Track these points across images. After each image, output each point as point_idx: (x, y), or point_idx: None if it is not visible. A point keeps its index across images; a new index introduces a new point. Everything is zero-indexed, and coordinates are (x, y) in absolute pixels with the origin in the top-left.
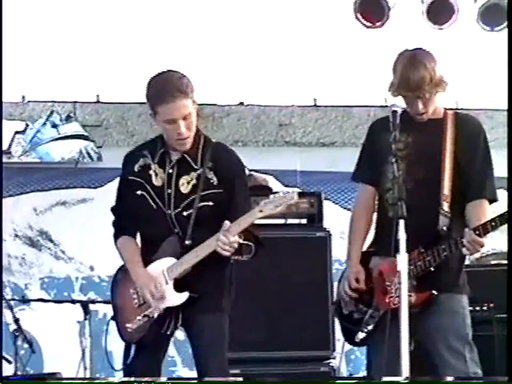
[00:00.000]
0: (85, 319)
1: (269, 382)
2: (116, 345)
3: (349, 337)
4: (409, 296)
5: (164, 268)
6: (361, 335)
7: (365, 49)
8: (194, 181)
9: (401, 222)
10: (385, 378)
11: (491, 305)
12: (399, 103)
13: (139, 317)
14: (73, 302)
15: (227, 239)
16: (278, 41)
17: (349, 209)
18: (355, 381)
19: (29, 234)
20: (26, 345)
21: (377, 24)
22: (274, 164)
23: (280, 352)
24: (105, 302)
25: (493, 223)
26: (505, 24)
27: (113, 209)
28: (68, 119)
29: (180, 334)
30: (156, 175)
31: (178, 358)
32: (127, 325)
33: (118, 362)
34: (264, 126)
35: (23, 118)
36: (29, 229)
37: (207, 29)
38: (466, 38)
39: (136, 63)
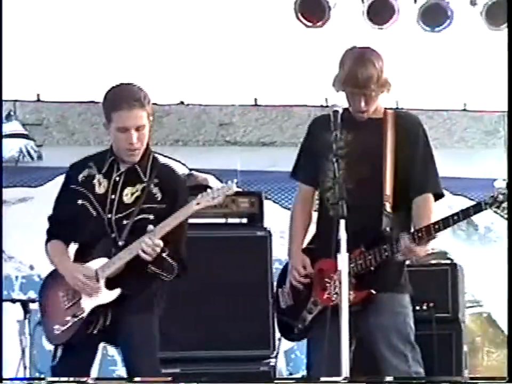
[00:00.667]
0: (25, 318)
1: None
2: None
3: (286, 332)
4: (349, 294)
5: (96, 268)
6: (297, 330)
7: (305, 49)
8: (138, 193)
9: (342, 222)
10: (324, 379)
11: (431, 304)
12: (340, 102)
13: (68, 318)
14: (13, 301)
15: (151, 240)
16: (218, 40)
17: (289, 209)
18: (293, 381)
19: None
20: None
21: (318, 23)
22: (214, 163)
23: (220, 352)
24: None
25: (436, 226)
26: (446, 24)
27: (49, 218)
28: (8, 117)
29: None
30: (100, 184)
31: (118, 357)
32: (55, 327)
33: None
34: (204, 125)
35: None
36: None
37: (149, 28)
38: (406, 38)
39: (77, 62)
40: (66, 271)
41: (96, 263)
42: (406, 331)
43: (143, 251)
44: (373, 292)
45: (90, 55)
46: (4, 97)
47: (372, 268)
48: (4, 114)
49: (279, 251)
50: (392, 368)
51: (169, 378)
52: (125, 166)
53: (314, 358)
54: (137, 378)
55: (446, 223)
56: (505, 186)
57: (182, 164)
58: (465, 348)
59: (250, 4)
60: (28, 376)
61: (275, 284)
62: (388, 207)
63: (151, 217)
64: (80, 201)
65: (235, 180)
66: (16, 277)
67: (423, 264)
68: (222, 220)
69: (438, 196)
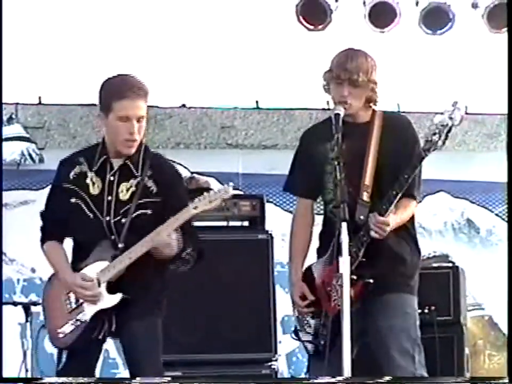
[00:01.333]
0: (27, 321)
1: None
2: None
3: (315, 353)
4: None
5: (96, 271)
6: (321, 346)
7: (307, 52)
8: (133, 188)
9: (344, 225)
10: (325, 380)
11: (432, 307)
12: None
13: (71, 322)
14: (15, 304)
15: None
16: (220, 43)
17: (290, 212)
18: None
19: None
20: None
21: (319, 27)
22: (216, 166)
23: (221, 355)
24: None
25: (394, 192)
26: (448, 27)
27: (42, 215)
28: (10, 120)
29: None
30: (93, 183)
31: (119, 360)
32: (59, 331)
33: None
34: (206, 128)
35: None
36: None
37: (151, 31)
38: (408, 41)
39: (79, 65)
40: (66, 279)
41: (95, 267)
42: (415, 333)
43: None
44: (370, 281)
45: (91, 57)
46: (5, 100)
47: (362, 259)
48: (5, 118)
49: (281, 254)
50: (400, 369)
51: (169, 379)
52: (117, 163)
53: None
54: (137, 379)
55: (399, 184)
56: (434, 125)
57: (184, 166)
58: (466, 351)
59: (252, 7)
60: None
61: (277, 287)
62: (366, 196)
63: (149, 211)
64: (73, 200)
65: (231, 183)
66: (18, 280)
67: (424, 267)
68: (224, 223)
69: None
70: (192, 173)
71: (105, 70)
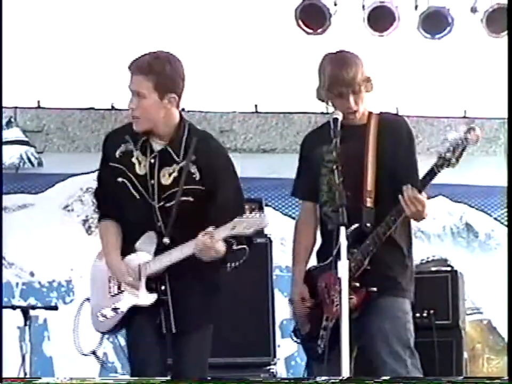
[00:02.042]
0: (25, 324)
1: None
2: (55, 351)
3: (314, 355)
4: (351, 298)
5: (139, 263)
6: (320, 350)
7: (306, 56)
8: (175, 174)
9: (342, 229)
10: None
11: (431, 311)
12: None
13: (110, 308)
14: (14, 307)
15: (209, 244)
16: (219, 47)
17: (289, 216)
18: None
19: None
20: None
21: (319, 30)
22: None
23: (220, 359)
24: (45, 308)
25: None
26: (447, 31)
27: (95, 193)
28: (9, 124)
29: (120, 340)
30: (139, 163)
31: (118, 364)
32: (98, 314)
33: (57, 368)
34: None
35: None
36: None
37: (148, 34)
38: (407, 45)
39: (77, 69)
40: (112, 264)
41: (139, 258)
42: (406, 336)
43: (200, 251)
44: (374, 289)
45: (90, 62)
46: (4, 104)
47: (367, 267)
48: (4, 121)
49: (280, 258)
50: (391, 373)
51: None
52: (158, 145)
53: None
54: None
55: (422, 182)
56: (449, 143)
57: None
58: (465, 355)
59: (251, 11)
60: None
61: (276, 291)
62: (369, 202)
63: (191, 199)
64: (120, 179)
65: (265, 213)
66: (17, 284)
67: (423, 271)
68: None
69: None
70: None
71: (104, 74)
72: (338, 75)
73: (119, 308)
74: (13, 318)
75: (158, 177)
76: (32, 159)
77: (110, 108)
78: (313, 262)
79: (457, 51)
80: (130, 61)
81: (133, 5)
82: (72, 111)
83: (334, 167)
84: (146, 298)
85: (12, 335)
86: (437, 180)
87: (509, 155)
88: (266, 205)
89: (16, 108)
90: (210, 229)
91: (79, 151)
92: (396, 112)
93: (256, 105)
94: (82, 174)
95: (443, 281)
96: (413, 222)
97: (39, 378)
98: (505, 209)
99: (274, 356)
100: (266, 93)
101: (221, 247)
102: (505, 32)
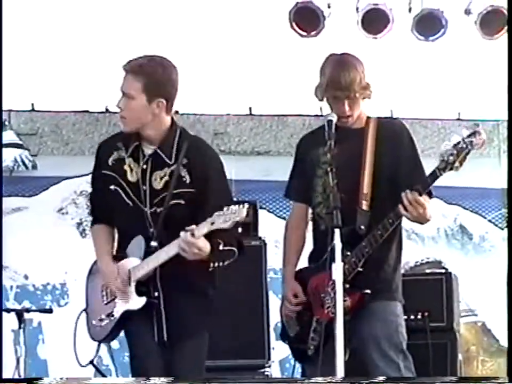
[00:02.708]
0: (20, 327)
1: None
2: (50, 354)
3: (302, 357)
4: (345, 301)
5: (129, 268)
6: (310, 352)
7: (300, 58)
8: (167, 177)
9: (337, 231)
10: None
11: (425, 314)
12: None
13: (104, 315)
14: (8, 310)
15: (191, 243)
16: (213, 50)
17: (284, 218)
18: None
19: None
20: None
21: (312, 33)
22: None
23: (215, 361)
24: (39, 311)
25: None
26: (441, 33)
27: (90, 198)
28: (2, 127)
29: (115, 343)
30: (131, 170)
31: (112, 367)
32: (93, 322)
33: (52, 371)
34: (199, 134)
35: None
36: None
37: (143, 37)
38: (400, 47)
39: (71, 72)
40: (103, 269)
41: (129, 263)
42: (398, 340)
43: (183, 250)
44: (367, 291)
45: (84, 64)
46: None
47: (360, 269)
48: None
49: (274, 260)
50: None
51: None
52: (149, 149)
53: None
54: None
55: (424, 185)
56: (452, 146)
57: None
58: (460, 357)
59: (244, 13)
60: None
61: (270, 293)
62: (365, 205)
63: (182, 202)
64: (112, 187)
65: (246, 205)
66: (11, 287)
67: (417, 273)
68: None
69: (426, 191)
70: None
71: (98, 77)
72: (335, 78)
73: (113, 315)
74: (7, 321)
75: (150, 182)
76: (26, 162)
77: (104, 110)
78: (302, 263)
79: (451, 53)
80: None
81: (128, 8)
82: (66, 114)
83: (329, 169)
84: (137, 302)
85: (6, 338)
86: None
87: (509, 155)
88: (261, 208)
89: (10, 110)
90: (192, 226)
91: (73, 154)
92: (391, 115)
93: (250, 108)
94: (76, 177)
95: (437, 283)
96: (407, 224)
97: (41, 379)
98: (499, 211)
99: (269, 358)
100: (261, 96)
101: (204, 245)
102: (499, 34)
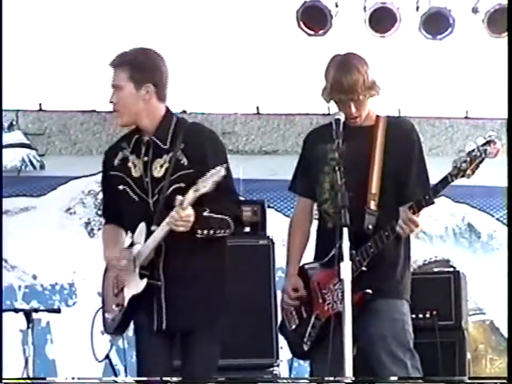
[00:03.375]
0: (28, 327)
1: None
2: (58, 354)
3: (297, 351)
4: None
5: (133, 255)
6: (306, 347)
7: (307, 58)
8: (166, 164)
9: (345, 230)
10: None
11: (434, 312)
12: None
13: (114, 307)
14: (16, 310)
15: (178, 214)
16: (220, 49)
17: None
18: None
19: None
20: None
21: (320, 32)
22: None
23: (223, 360)
24: (48, 311)
25: (427, 197)
26: (448, 32)
27: (102, 202)
28: (10, 127)
29: (123, 343)
30: (135, 166)
31: (121, 367)
32: (106, 315)
33: (60, 371)
34: None
35: None
36: None
37: (150, 36)
38: (408, 46)
39: (79, 72)
40: (107, 255)
41: (134, 249)
42: (405, 338)
43: (171, 222)
44: (369, 291)
45: (92, 64)
46: (5, 107)
47: (364, 268)
48: (6, 124)
49: (282, 259)
50: (391, 376)
51: (175, 379)
52: (145, 141)
53: (317, 367)
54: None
55: (434, 190)
56: (466, 153)
57: None
58: (468, 356)
59: (252, 13)
60: None
61: (278, 292)
62: (373, 205)
63: (182, 185)
64: (121, 187)
65: (224, 165)
66: (19, 287)
67: (425, 272)
68: None
69: (427, 203)
70: None
71: (106, 77)
72: (338, 82)
73: (122, 304)
74: (15, 321)
75: (151, 172)
76: (34, 162)
77: (111, 110)
78: (306, 259)
79: (458, 52)
80: None
81: (135, 7)
82: (73, 113)
83: (337, 167)
84: (139, 285)
85: (14, 338)
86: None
87: (509, 155)
88: (269, 207)
89: (18, 110)
90: (178, 197)
91: (80, 153)
92: (398, 113)
93: (257, 107)
94: (84, 176)
95: (445, 282)
96: None
97: (44, 379)
98: (507, 210)
99: (277, 358)
100: (268, 95)
101: (190, 213)
102: (506, 33)
